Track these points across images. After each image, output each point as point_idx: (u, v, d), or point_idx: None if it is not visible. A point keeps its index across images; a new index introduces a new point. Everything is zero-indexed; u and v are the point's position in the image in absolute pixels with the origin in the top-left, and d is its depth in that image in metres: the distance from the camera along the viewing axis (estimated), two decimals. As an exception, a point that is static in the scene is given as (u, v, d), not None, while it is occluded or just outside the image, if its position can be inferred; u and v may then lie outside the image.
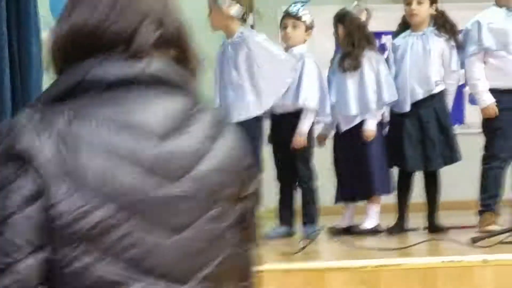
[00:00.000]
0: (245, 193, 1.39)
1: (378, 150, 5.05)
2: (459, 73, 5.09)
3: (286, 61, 4.90)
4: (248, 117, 4.78)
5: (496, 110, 4.90)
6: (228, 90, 4.85)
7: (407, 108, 4.98)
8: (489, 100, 4.92)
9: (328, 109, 5.01)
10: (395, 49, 5.12)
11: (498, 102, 4.90)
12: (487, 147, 4.97)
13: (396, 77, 5.06)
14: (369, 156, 5.02)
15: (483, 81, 4.93)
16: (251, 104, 4.81)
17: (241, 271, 1.39)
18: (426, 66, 4.97)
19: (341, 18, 5.12)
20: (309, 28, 5.08)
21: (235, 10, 4.86)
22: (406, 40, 5.08)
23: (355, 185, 5.05)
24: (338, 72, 5.09)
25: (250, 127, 4.75)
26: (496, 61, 4.91)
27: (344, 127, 5.08)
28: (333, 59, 5.22)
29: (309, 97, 4.92)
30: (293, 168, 5.05)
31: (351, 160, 5.05)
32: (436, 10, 5.07)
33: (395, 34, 5.28)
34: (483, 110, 4.98)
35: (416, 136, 4.98)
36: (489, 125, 4.96)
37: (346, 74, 5.05)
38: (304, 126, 4.95)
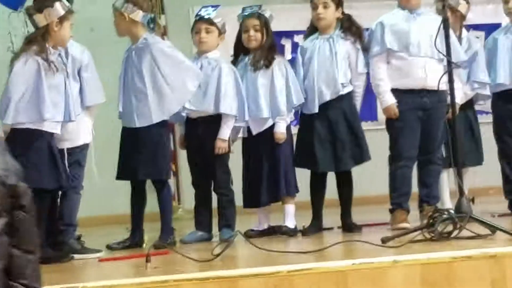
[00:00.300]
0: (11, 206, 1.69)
1: (288, 152, 5.11)
2: (365, 75, 5.15)
3: (190, 69, 4.89)
4: (150, 123, 4.80)
5: (396, 110, 5.01)
6: (131, 96, 4.83)
7: (316, 109, 5.04)
8: (390, 100, 5.02)
9: (247, 115, 5.03)
10: (303, 52, 5.17)
11: (399, 102, 5.00)
12: (391, 147, 5.07)
13: (304, 79, 5.10)
14: (282, 158, 5.06)
15: (385, 82, 5.02)
16: (153, 111, 4.80)
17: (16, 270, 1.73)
18: (333, 68, 5.03)
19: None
20: (221, 32, 5.09)
21: (138, 15, 4.84)
22: (314, 43, 5.14)
23: (269, 187, 5.07)
24: (249, 73, 5.09)
25: (153, 133, 4.82)
26: (397, 62, 5.01)
27: (255, 130, 5.09)
28: (238, 60, 5.19)
29: (229, 104, 4.95)
30: (210, 173, 5.06)
31: (264, 163, 5.06)
32: (343, 13, 5.15)
33: (304, 37, 5.33)
34: (384, 110, 5.09)
35: (326, 137, 5.05)
36: (392, 125, 5.07)
37: (258, 76, 5.06)
38: (225, 131, 4.98)
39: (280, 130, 5.05)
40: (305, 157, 5.09)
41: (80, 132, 4.66)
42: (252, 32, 5.08)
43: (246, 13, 5.14)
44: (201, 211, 5.08)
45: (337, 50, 5.05)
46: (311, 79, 5.06)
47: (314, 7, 5.12)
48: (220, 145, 4.98)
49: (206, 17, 5.09)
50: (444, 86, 4.78)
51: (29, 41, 4.42)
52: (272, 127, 5.07)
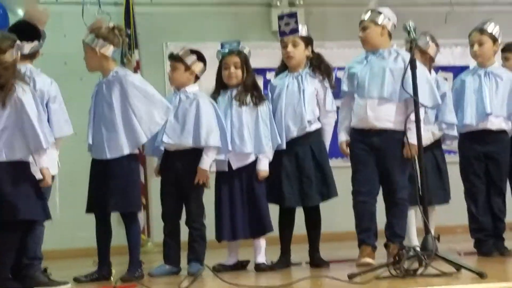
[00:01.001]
0: None
1: (264, 188, 5.14)
2: (334, 113, 5.25)
3: (158, 102, 4.91)
4: (121, 154, 4.83)
5: (345, 148, 5.14)
6: (101, 128, 4.85)
7: (284, 145, 5.11)
8: (340, 138, 5.18)
9: (229, 146, 5.05)
10: (272, 89, 5.25)
11: (352, 140, 5.12)
12: (352, 183, 5.14)
13: (273, 116, 5.17)
14: (261, 194, 5.10)
15: (340, 121, 5.19)
16: (124, 143, 4.83)
17: None
18: (300, 105, 5.11)
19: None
20: (188, 68, 5.11)
21: (108, 50, 4.88)
22: (283, 80, 5.22)
23: (246, 222, 5.07)
24: (234, 107, 5.10)
25: (124, 165, 4.84)
26: (352, 103, 5.13)
27: (236, 165, 5.11)
28: (217, 93, 5.21)
29: (210, 136, 4.97)
30: (181, 206, 5.07)
31: (243, 197, 5.07)
32: (312, 52, 5.25)
33: (275, 75, 5.42)
34: (339, 147, 5.20)
35: (293, 173, 5.11)
36: (350, 162, 5.17)
37: (243, 111, 5.09)
38: (206, 162, 5.00)
39: (263, 168, 5.09)
40: (273, 193, 5.14)
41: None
42: (232, 69, 5.13)
43: (226, 50, 5.18)
44: (170, 244, 5.07)
45: (305, 88, 5.14)
46: (279, 116, 5.14)
47: (284, 46, 5.23)
48: (200, 175, 4.99)
49: (175, 54, 5.15)
50: (395, 126, 4.91)
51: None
52: (250, 162, 5.10)
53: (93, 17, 6.44)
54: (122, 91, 4.84)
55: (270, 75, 6.92)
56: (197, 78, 5.17)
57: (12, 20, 5.60)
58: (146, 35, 7.13)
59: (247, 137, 5.07)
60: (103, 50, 4.84)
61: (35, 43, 4.72)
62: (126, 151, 4.84)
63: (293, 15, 5.23)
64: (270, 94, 5.24)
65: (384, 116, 4.98)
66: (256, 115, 5.10)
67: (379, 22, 5.09)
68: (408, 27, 4.42)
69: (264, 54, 6.83)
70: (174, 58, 5.14)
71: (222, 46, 5.23)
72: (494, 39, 5.43)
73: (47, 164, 4.40)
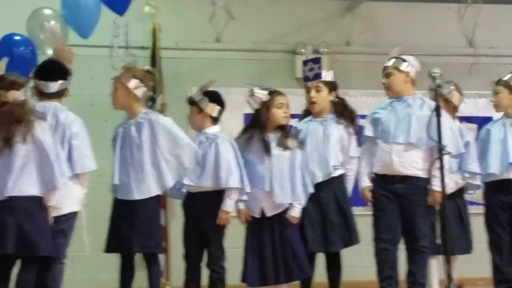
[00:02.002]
0: None
1: (298, 234, 5.09)
2: (357, 159, 5.22)
3: (187, 146, 4.91)
4: (148, 195, 4.84)
5: (367, 194, 5.10)
6: (128, 169, 4.86)
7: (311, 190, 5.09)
8: (363, 184, 5.14)
9: (248, 188, 5.02)
10: (296, 133, 5.24)
11: (375, 187, 5.09)
12: (373, 229, 5.11)
13: None
14: (297, 239, 5.04)
15: (362, 166, 5.15)
16: (152, 184, 4.84)
17: None
18: (325, 150, 5.11)
19: None
20: (200, 111, 5.10)
21: (141, 92, 4.91)
22: (308, 125, 5.23)
23: (281, 267, 5.00)
24: (275, 155, 5.02)
25: (149, 206, 4.85)
26: (375, 148, 5.11)
27: (271, 213, 5.06)
28: (247, 140, 5.14)
29: (230, 177, 4.96)
30: (203, 247, 5.05)
31: (275, 243, 5.02)
32: (337, 97, 5.26)
33: (299, 119, 5.44)
34: (360, 194, 5.16)
35: (317, 218, 5.09)
36: (372, 208, 5.14)
37: (282, 156, 5.04)
38: (228, 204, 4.98)
39: (296, 214, 5.05)
40: None
41: (66, 200, 4.62)
42: (286, 109, 5.09)
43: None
44: (190, 286, 5.05)
45: (330, 133, 5.14)
46: (304, 161, 5.12)
47: (308, 91, 5.26)
48: (222, 216, 4.97)
49: (190, 97, 5.18)
50: (420, 173, 4.86)
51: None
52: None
53: (120, 60, 6.55)
54: (152, 133, 4.86)
55: (293, 121, 6.94)
56: (214, 120, 5.15)
57: (40, 59, 5.69)
58: (171, 79, 7.18)
59: (287, 187, 5.02)
60: (136, 90, 4.87)
61: (60, 81, 4.78)
62: (154, 192, 4.85)
63: (317, 61, 5.28)
64: None
65: (410, 162, 4.96)
66: (293, 160, 5.05)
67: (403, 69, 5.11)
68: (433, 74, 4.44)
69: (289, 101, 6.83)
70: (188, 101, 5.18)
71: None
72: (510, 88, 5.45)
73: (55, 202, 4.45)
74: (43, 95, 4.77)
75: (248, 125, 5.22)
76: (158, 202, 4.97)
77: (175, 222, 6.50)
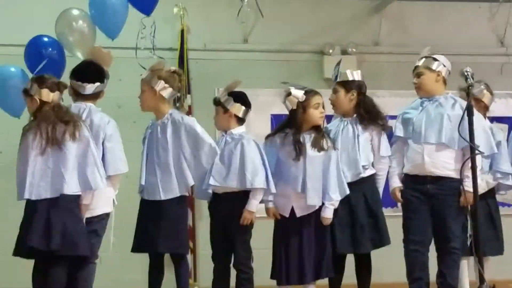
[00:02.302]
0: None
1: (329, 234, 5.05)
2: (388, 159, 5.17)
3: (208, 146, 4.90)
4: (175, 195, 4.87)
5: (398, 195, 5.06)
6: (155, 170, 4.89)
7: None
8: (393, 184, 5.11)
9: (273, 189, 4.99)
10: (327, 133, 5.19)
11: (405, 187, 5.04)
12: (403, 231, 5.06)
13: None
14: (327, 240, 5.00)
15: (393, 167, 5.11)
16: (176, 185, 4.86)
17: None
18: (355, 150, 5.06)
19: None
20: (226, 111, 5.09)
21: (167, 92, 4.92)
22: (338, 124, 5.18)
23: (305, 268, 4.96)
24: (308, 153, 4.96)
25: (175, 206, 4.89)
26: (406, 149, 5.06)
27: (301, 213, 5.01)
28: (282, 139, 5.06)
29: (255, 178, 4.94)
30: (230, 248, 5.03)
31: (303, 245, 4.97)
32: (359, 95, 5.16)
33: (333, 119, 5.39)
34: (390, 194, 5.10)
35: (345, 219, 5.05)
36: (402, 209, 5.07)
37: (317, 157, 4.98)
38: (253, 204, 4.97)
39: (329, 215, 5.00)
40: None
41: (99, 201, 4.64)
42: (322, 109, 5.03)
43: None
44: (219, 286, 5.04)
45: (360, 133, 5.09)
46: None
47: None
48: (247, 216, 4.96)
49: (215, 99, 5.18)
50: (452, 174, 4.81)
51: None
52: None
53: (148, 62, 6.56)
54: (176, 133, 4.88)
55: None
56: (240, 120, 5.13)
57: (69, 62, 5.71)
58: (198, 80, 7.19)
59: (319, 189, 4.97)
60: (162, 91, 4.89)
61: (97, 84, 4.80)
62: (179, 192, 4.88)
63: (338, 63, 5.30)
64: None
65: (442, 162, 4.92)
66: (328, 162, 4.99)
67: (434, 68, 5.05)
68: (466, 73, 4.39)
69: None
70: (214, 102, 5.17)
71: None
72: None
73: (89, 202, 4.50)
74: (78, 96, 4.82)
75: (283, 124, 5.14)
76: (184, 202, 4.99)
77: (202, 222, 6.49)
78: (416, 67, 5.12)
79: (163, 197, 4.85)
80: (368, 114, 5.15)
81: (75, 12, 5.96)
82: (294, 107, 5.04)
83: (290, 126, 5.05)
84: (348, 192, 4.99)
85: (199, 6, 7.36)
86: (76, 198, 4.47)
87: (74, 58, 5.74)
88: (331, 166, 4.99)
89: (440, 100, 5.04)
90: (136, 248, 4.93)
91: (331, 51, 7.50)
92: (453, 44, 7.44)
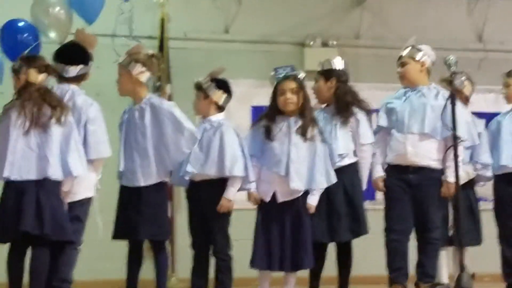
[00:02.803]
0: None
1: (310, 223, 5.01)
2: (371, 146, 5.13)
3: (188, 131, 4.86)
4: (154, 181, 4.82)
5: (380, 184, 5.04)
6: (134, 155, 4.84)
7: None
8: (376, 174, 5.09)
9: (252, 177, 4.95)
10: (317, 123, 5.16)
11: (388, 177, 5.03)
12: (385, 220, 5.06)
13: None
14: (308, 228, 4.97)
15: (376, 156, 5.09)
16: (156, 171, 4.82)
17: None
18: (331, 139, 5.04)
19: None
20: (207, 96, 5.04)
21: (145, 76, 4.87)
22: (318, 115, 5.18)
23: (287, 255, 4.93)
24: (293, 139, 4.93)
25: (155, 193, 4.85)
26: (389, 138, 5.06)
27: (282, 199, 4.97)
28: (272, 121, 5.02)
29: (234, 166, 4.89)
30: (209, 236, 4.99)
31: (285, 230, 4.94)
32: (337, 82, 5.15)
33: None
34: (373, 183, 5.09)
35: (323, 208, 5.01)
36: (384, 199, 5.07)
37: (303, 145, 4.95)
38: (231, 191, 4.92)
39: (314, 202, 4.98)
40: None
41: (81, 186, 4.57)
42: (289, 95, 4.97)
43: (281, 76, 5.07)
44: (198, 274, 4.99)
45: (337, 121, 5.08)
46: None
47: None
48: (224, 204, 4.90)
49: (196, 82, 5.12)
50: (434, 164, 4.80)
51: None
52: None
53: (125, 49, 6.50)
54: (155, 118, 4.83)
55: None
56: (220, 107, 5.08)
57: (44, 45, 5.64)
58: (178, 69, 7.14)
59: (304, 174, 4.93)
60: (139, 75, 4.84)
61: (81, 66, 4.74)
62: (159, 178, 4.84)
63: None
64: None
65: (424, 152, 4.92)
66: (314, 149, 4.96)
67: (418, 59, 5.06)
68: (449, 60, 4.39)
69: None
70: (195, 86, 5.12)
71: (277, 71, 5.13)
72: None
73: (70, 188, 4.44)
74: (62, 78, 4.74)
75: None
76: (165, 189, 4.94)
77: (180, 214, 6.45)
78: (401, 56, 5.13)
79: (142, 183, 4.80)
80: (344, 102, 5.09)
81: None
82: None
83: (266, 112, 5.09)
84: (335, 180, 4.96)
85: (180, -6, 7.33)
86: (59, 184, 4.42)
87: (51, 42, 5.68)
88: (317, 156, 4.95)
89: (423, 91, 5.05)
90: (117, 235, 4.87)
91: (312, 43, 7.51)
92: (432, 39, 7.34)
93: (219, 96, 5.06)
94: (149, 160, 4.81)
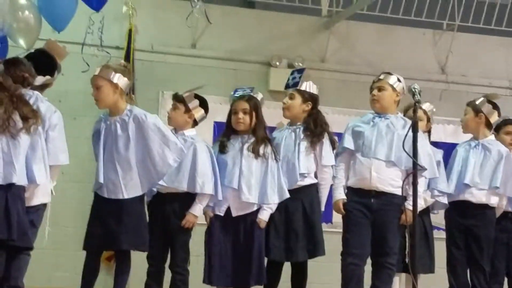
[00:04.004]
0: None
1: (263, 240, 5.03)
2: (331, 168, 5.16)
3: (173, 144, 4.85)
4: (138, 193, 4.81)
5: (341, 206, 5.04)
6: (116, 167, 4.78)
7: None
8: (337, 196, 5.08)
9: (220, 195, 4.98)
10: (271, 142, 5.19)
11: (349, 200, 5.04)
12: (342, 243, 5.06)
13: None
14: (260, 244, 4.99)
15: (338, 178, 5.10)
16: (139, 183, 4.80)
17: None
18: (294, 157, 5.08)
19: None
20: (188, 110, 5.08)
21: (125, 85, 4.83)
22: (282, 133, 5.20)
23: (240, 270, 4.95)
24: (244, 156, 5.01)
25: (137, 203, 4.83)
26: (352, 162, 5.08)
27: (237, 213, 5.01)
28: (227, 138, 5.11)
29: (205, 183, 4.92)
30: (167, 249, 4.98)
31: (238, 245, 4.97)
32: (313, 108, 5.21)
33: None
34: (333, 205, 5.12)
35: (281, 226, 5.03)
36: (343, 222, 5.09)
37: (254, 161, 5.01)
38: (198, 208, 4.95)
39: (265, 218, 5.01)
40: None
41: (38, 191, 4.51)
42: (240, 115, 5.05)
43: (237, 95, 5.14)
44: (152, 286, 4.97)
45: (301, 141, 5.11)
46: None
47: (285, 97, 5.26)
48: (190, 219, 4.93)
49: (179, 94, 5.13)
50: (396, 191, 4.87)
51: None
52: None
53: (92, 58, 6.48)
54: (139, 131, 4.80)
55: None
56: (195, 123, 5.14)
57: (11, 50, 5.59)
58: (143, 81, 7.13)
59: (255, 188, 4.99)
60: (122, 85, 4.79)
61: (47, 77, 4.71)
62: (143, 190, 4.82)
63: (301, 71, 5.30)
64: None
65: (388, 179, 4.94)
66: (266, 167, 5.02)
67: (396, 87, 5.08)
68: (413, 89, 4.44)
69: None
70: (177, 98, 5.12)
71: (235, 91, 5.21)
72: (477, 110, 5.48)
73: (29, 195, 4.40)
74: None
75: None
76: (143, 199, 4.92)
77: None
78: (379, 80, 5.12)
79: (126, 196, 4.76)
80: (315, 127, 5.15)
81: (22, 1, 5.84)
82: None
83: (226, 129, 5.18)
84: (287, 195, 5.00)
85: (149, 7, 7.33)
86: (24, 188, 4.36)
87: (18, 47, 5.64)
88: (269, 172, 5.01)
89: (391, 119, 5.08)
90: (91, 245, 4.80)
91: (278, 63, 7.55)
92: (397, 67, 7.52)
93: (200, 113, 5.13)
94: (132, 172, 4.78)
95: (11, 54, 5.42)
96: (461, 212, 5.46)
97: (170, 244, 4.98)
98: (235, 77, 7.40)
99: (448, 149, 6.49)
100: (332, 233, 5.77)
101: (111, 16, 6.81)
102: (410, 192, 4.63)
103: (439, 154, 5.62)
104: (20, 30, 5.72)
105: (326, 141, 5.16)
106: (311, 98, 5.25)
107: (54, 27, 5.87)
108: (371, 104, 5.14)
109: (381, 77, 5.12)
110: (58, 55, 4.80)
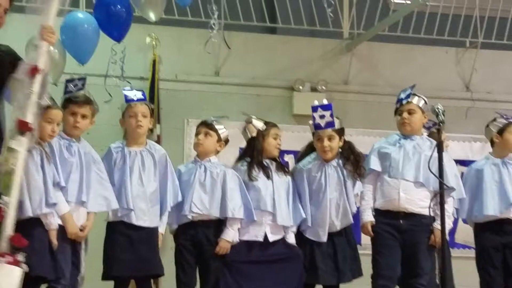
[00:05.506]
0: None
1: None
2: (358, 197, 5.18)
3: (176, 188, 5.05)
4: (156, 226, 4.98)
5: (369, 229, 5.03)
6: (146, 196, 4.93)
7: (324, 239, 5.06)
8: (366, 218, 5.06)
9: (254, 218, 5.02)
10: (300, 171, 5.20)
11: (377, 222, 5.02)
12: (373, 265, 5.04)
13: (316, 208, 5.10)
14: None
15: (366, 200, 5.09)
16: (159, 213, 4.98)
17: None
18: (343, 198, 5.08)
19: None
20: (220, 139, 5.15)
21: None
22: (319, 167, 5.15)
23: None
24: (275, 177, 5.08)
25: (155, 231, 4.99)
26: (380, 183, 5.06)
27: (272, 238, 5.04)
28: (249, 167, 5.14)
29: (236, 208, 4.99)
30: (196, 275, 5.04)
31: (273, 270, 5.01)
32: (344, 141, 5.19)
33: (299, 158, 5.36)
34: (361, 228, 5.09)
35: (327, 250, 5.04)
36: (372, 244, 5.07)
37: (280, 181, 5.10)
38: (230, 233, 4.99)
39: (291, 241, 5.07)
40: (306, 271, 5.05)
41: None
42: (279, 141, 5.18)
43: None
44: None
45: (346, 180, 5.09)
46: (323, 209, 5.06)
47: (319, 139, 5.14)
48: (223, 245, 4.98)
49: (208, 121, 5.18)
50: (425, 211, 4.82)
51: None
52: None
53: (116, 89, 6.53)
54: (161, 166, 5.00)
55: (287, 157, 6.92)
56: (218, 152, 5.23)
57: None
58: (168, 110, 7.19)
59: (287, 211, 5.06)
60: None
61: None
62: (160, 222, 5.00)
63: (328, 107, 5.14)
64: (306, 180, 5.16)
65: (416, 200, 4.94)
66: (288, 187, 5.13)
67: (424, 109, 5.09)
68: (437, 110, 4.43)
69: (283, 136, 6.84)
70: (210, 126, 5.17)
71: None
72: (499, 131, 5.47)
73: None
74: None
75: (243, 153, 5.24)
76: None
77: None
78: (409, 103, 5.10)
79: (154, 224, 4.94)
80: (355, 161, 5.11)
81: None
82: (254, 135, 5.12)
83: (252, 153, 5.14)
84: (304, 216, 5.03)
85: (172, 37, 7.39)
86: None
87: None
88: (290, 193, 5.09)
89: (417, 140, 5.08)
90: (111, 273, 4.86)
91: (301, 87, 7.57)
92: (420, 87, 7.47)
93: (225, 142, 5.23)
94: (156, 203, 4.96)
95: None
96: (499, 231, 5.37)
97: (203, 271, 5.02)
98: (258, 103, 7.43)
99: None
100: (361, 255, 5.73)
101: (134, 48, 6.88)
102: (438, 212, 4.61)
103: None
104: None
105: (358, 176, 5.14)
106: (343, 133, 5.23)
107: (78, 60, 5.95)
108: (400, 126, 5.12)
109: (411, 99, 5.09)
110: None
